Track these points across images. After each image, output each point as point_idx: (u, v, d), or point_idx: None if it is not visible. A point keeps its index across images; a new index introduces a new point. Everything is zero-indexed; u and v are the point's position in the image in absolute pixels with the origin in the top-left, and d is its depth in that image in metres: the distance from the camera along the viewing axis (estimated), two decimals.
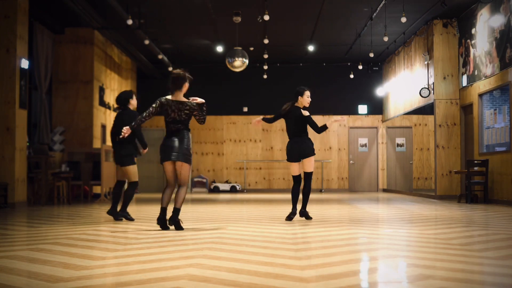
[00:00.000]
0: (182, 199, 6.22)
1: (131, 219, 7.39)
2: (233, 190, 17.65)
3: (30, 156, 11.01)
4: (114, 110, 15.52)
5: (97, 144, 13.67)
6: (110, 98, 15.14)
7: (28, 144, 11.09)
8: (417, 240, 5.42)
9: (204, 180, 18.08)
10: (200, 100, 6.30)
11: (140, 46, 14.94)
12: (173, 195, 6.30)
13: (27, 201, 10.63)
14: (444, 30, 13.24)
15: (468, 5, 12.28)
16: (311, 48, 15.83)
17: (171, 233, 5.98)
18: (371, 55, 14.22)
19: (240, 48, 12.75)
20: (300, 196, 7.43)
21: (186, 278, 3.46)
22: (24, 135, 10.55)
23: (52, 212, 9.02)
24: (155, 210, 9.68)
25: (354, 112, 18.61)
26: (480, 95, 11.93)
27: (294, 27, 14.27)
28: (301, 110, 7.46)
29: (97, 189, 13.57)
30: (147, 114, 6.31)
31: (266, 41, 13.12)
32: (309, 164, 7.29)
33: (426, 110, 14.76)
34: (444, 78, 13.19)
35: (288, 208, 9.93)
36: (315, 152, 7.41)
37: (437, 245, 4.93)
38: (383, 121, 18.42)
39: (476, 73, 12.07)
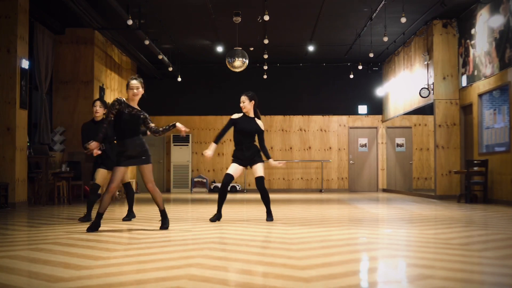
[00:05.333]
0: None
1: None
2: (233, 190, 17.65)
3: (30, 156, 11.02)
4: None
5: None
6: (110, 98, 15.15)
7: (28, 144, 11.09)
8: (417, 240, 5.43)
9: (204, 180, 18.08)
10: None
11: (140, 46, 14.95)
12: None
13: (27, 201, 10.63)
14: (444, 30, 13.25)
15: (468, 5, 12.29)
16: (311, 48, 15.84)
17: (171, 233, 6.00)
18: (371, 55, 14.23)
19: (240, 48, 12.75)
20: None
21: (186, 278, 3.47)
22: (24, 135, 10.55)
23: (53, 212, 9.03)
24: (155, 210, 9.69)
25: (354, 112, 18.62)
26: (480, 95, 11.94)
27: (294, 27, 14.27)
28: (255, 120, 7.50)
29: None
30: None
31: (266, 41, 13.13)
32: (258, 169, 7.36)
33: (425, 110, 14.78)
34: (444, 78, 13.20)
35: (287, 208, 9.96)
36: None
37: (436, 245, 4.94)
38: (383, 121, 18.43)
39: (475, 73, 12.08)
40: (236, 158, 7.37)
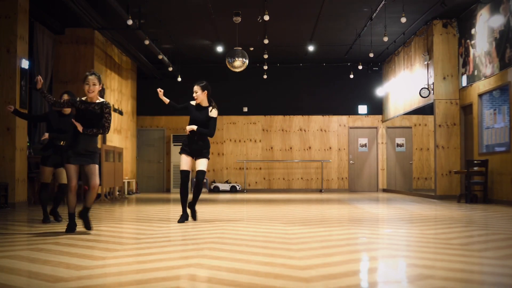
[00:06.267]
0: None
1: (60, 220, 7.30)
2: (233, 190, 17.65)
3: (30, 156, 11.01)
4: (114, 110, 15.52)
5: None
6: (110, 98, 15.14)
7: (28, 144, 11.09)
8: (417, 240, 5.43)
9: (204, 180, 18.07)
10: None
11: (140, 46, 14.95)
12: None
13: (27, 201, 10.63)
14: (444, 30, 13.25)
15: (468, 5, 12.29)
16: (311, 48, 15.84)
17: (171, 233, 5.99)
18: (371, 55, 14.23)
19: (240, 48, 12.75)
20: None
21: (186, 278, 3.46)
22: (24, 135, 10.55)
23: None
24: (155, 210, 9.69)
25: (354, 112, 18.62)
26: (480, 95, 11.94)
27: (294, 27, 14.28)
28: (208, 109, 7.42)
29: None
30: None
31: (266, 41, 13.13)
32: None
33: (426, 110, 14.77)
34: (444, 78, 13.20)
35: (287, 208, 9.95)
36: None
37: (437, 245, 4.94)
38: (383, 121, 18.43)
39: (475, 73, 12.08)
40: (185, 147, 7.29)
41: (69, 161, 6.04)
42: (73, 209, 6.12)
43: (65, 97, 7.11)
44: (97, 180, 6.09)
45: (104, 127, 6.10)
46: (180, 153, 7.37)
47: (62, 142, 7.24)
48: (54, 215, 7.42)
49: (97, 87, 6.12)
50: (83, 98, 6.20)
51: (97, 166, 6.14)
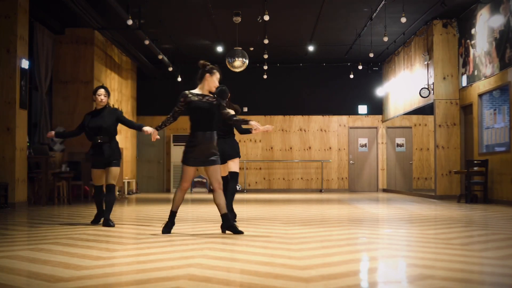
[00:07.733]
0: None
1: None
2: None
3: (30, 156, 11.01)
4: None
5: None
6: (110, 98, 15.12)
7: (28, 144, 11.09)
8: (417, 240, 5.43)
9: (204, 180, 18.08)
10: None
11: (140, 46, 14.95)
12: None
13: (27, 201, 10.63)
14: (444, 30, 13.24)
15: (468, 5, 12.29)
16: (311, 48, 15.84)
17: (171, 233, 5.98)
18: (371, 55, 14.22)
19: (240, 48, 12.75)
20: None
21: (186, 278, 3.46)
22: (24, 135, 10.55)
23: (52, 212, 9.03)
24: (155, 210, 9.69)
25: (354, 112, 18.62)
26: (480, 95, 11.94)
27: (294, 27, 14.27)
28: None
29: None
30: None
31: (266, 41, 13.13)
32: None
33: (426, 110, 14.78)
34: (444, 78, 13.20)
35: (287, 208, 9.95)
36: None
37: (437, 245, 4.94)
38: (383, 121, 18.43)
39: (475, 73, 12.08)
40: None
41: (187, 162, 5.83)
42: (176, 207, 5.90)
43: (103, 92, 7.02)
44: (215, 184, 5.76)
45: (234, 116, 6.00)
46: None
47: (99, 139, 7.10)
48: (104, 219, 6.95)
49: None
50: (193, 91, 5.97)
51: (217, 167, 5.78)
